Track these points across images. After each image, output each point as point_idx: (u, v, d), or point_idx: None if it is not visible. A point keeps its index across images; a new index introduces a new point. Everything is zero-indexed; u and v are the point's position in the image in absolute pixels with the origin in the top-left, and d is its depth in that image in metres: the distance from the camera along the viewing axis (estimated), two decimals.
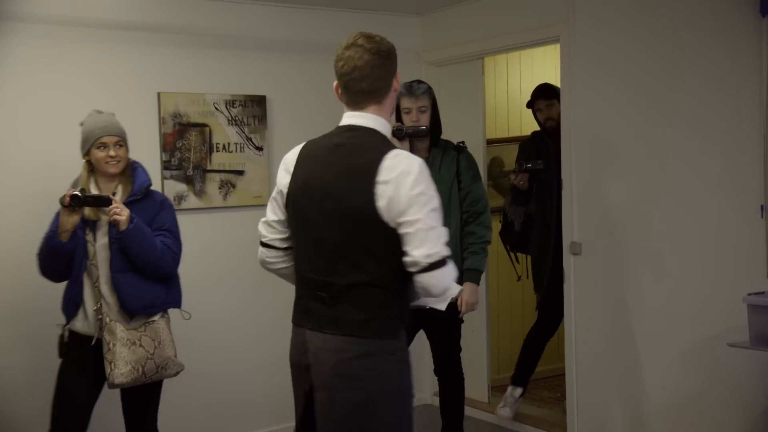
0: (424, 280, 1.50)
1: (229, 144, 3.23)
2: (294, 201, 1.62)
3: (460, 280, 2.44)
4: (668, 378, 2.70)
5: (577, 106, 2.98)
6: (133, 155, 2.41)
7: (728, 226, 2.48)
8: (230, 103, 3.22)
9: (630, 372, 2.85)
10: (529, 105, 3.46)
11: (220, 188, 3.21)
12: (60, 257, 2.20)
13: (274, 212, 1.70)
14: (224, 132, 3.21)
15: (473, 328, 3.43)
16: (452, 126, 3.19)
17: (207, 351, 3.09)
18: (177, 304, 2.37)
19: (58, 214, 2.17)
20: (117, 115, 2.38)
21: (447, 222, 2.38)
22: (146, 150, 2.89)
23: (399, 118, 2.67)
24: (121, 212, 2.12)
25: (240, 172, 3.24)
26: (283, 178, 1.65)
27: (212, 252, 3.17)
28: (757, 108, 2.36)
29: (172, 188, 3.09)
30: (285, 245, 1.71)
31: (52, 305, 2.36)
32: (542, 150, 3.35)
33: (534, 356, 3.45)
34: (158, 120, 3.07)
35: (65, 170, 2.46)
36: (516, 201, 3.41)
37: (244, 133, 3.26)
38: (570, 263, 3.05)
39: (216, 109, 3.18)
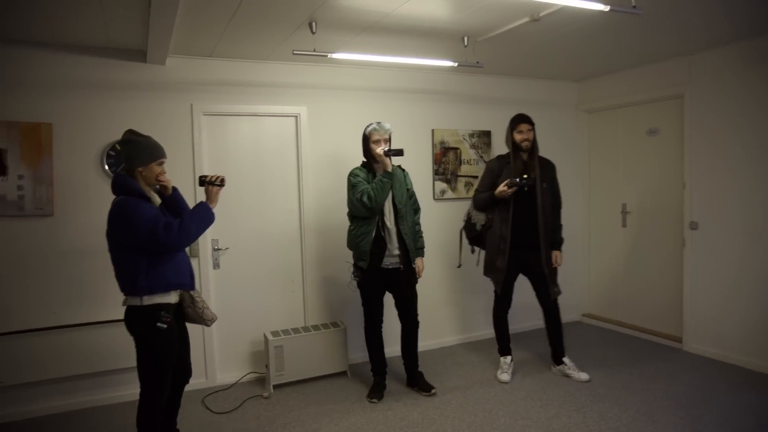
0: None
1: (470, 159, 5.20)
2: None
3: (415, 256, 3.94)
4: (761, 305, 4.36)
5: (695, 130, 4.75)
6: (414, 168, 4.42)
7: None
8: (471, 135, 5.21)
9: (730, 299, 4.52)
10: (513, 127, 4.16)
11: (465, 186, 5.17)
12: (209, 225, 2.89)
13: None
14: (468, 152, 5.19)
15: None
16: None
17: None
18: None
19: (148, 204, 2.79)
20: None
21: (408, 218, 3.90)
22: (424, 163, 4.90)
23: (369, 149, 3.84)
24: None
25: (476, 176, 5.18)
26: None
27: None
28: None
29: (438, 186, 5.06)
30: None
31: None
32: (504, 167, 4.15)
33: (505, 328, 4.39)
34: (431, 145, 5.07)
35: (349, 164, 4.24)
36: (480, 208, 4.22)
37: (478, 153, 5.23)
38: (689, 236, 4.79)
39: (463, 138, 5.17)
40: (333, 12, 3.31)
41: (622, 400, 3.90)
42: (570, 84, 5.76)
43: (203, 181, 2.96)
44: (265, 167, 4.51)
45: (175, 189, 3.02)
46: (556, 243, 4.31)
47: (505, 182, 4.03)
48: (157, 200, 2.91)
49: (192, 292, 2.99)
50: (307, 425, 3.68)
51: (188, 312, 3.02)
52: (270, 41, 3.83)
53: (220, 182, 2.95)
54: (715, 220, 4.62)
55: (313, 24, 3.48)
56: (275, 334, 4.33)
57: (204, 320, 3.03)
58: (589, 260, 5.92)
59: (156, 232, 2.67)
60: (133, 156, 2.80)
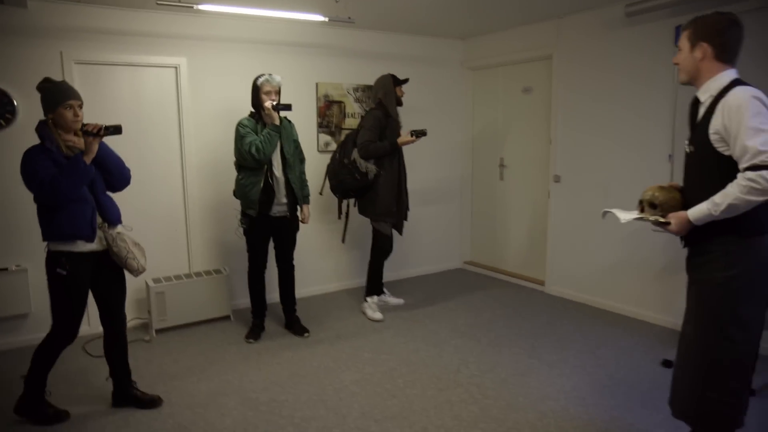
0: None
1: (354, 113, 5.38)
2: None
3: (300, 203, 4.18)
4: (607, 251, 4.87)
5: (561, 90, 5.13)
6: (300, 121, 4.61)
7: (647, 166, 4.59)
8: (356, 89, 5.37)
9: (583, 246, 5.01)
10: (397, 84, 4.52)
11: None
12: (86, 180, 2.81)
13: None
14: (352, 106, 5.36)
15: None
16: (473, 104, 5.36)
17: None
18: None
19: (44, 155, 2.74)
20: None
21: (296, 167, 4.11)
22: (308, 116, 5.05)
23: (259, 100, 3.92)
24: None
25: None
26: None
27: None
28: (668, 101, 4.48)
29: (323, 138, 5.22)
30: None
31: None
32: (386, 119, 4.44)
33: (380, 274, 4.80)
34: (315, 98, 5.20)
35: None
36: (372, 157, 4.39)
37: (363, 107, 5.41)
38: (554, 188, 5.21)
39: (348, 92, 5.33)
40: None
41: (478, 335, 4.32)
42: (456, 42, 5.99)
43: (81, 130, 2.86)
44: (146, 119, 4.52)
45: (102, 144, 2.93)
46: None
47: (411, 131, 4.43)
48: (76, 148, 2.85)
49: (115, 243, 2.97)
50: (181, 363, 3.88)
51: (115, 261, 3.03)
52: None
53: (97, 131, 2.79)
54: (574, 174, 5.05)
55: None
56: (157, 281, 4.46)
57: (129, 269, 3.03)
58: (472, 211, 6.31)
59: (42, 186, 2.72)
60: (42, 103, 2.81)
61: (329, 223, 5.37)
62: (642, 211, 2.39)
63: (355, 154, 4.41)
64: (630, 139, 4.56)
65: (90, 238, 2.90)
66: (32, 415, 3.07)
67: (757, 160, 1.97)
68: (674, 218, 2.23)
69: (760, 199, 2.00)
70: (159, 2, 3.56)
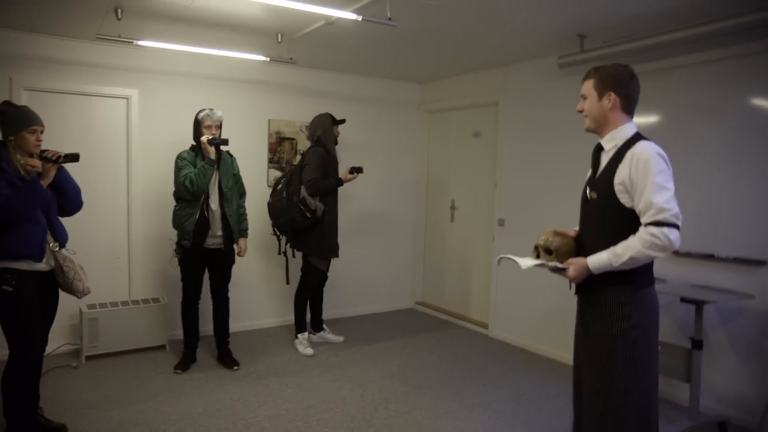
0: None
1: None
2: None
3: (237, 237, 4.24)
4: (546, 296, 4.88)
5: (506, 135, 5.25)
6: (250, 156, 4.81)
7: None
8: (306, 127, 5.48)
9: (524, 291, 5.04)
10: (335, 123, 4.67)
11: None
12: (41, 202, 2.86)
13: None
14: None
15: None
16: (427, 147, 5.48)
17: None
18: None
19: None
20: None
21: (233, 201, 4.16)
22: (259, 152, 5.15)
23: (200, 134, 4.05)
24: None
25: None
26: None
27: None
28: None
29: (272, 174, 5.31)
30: None
31: None
32: (326, 157, 4.54)
33: (305, 308, 4.82)
34: (267, 134, 5.31)
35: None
36: (319, 194, 4.48)
37: None
38: (498, 231, 5.28)
39: (300, 130, 5.44)
40: (136, 2, 3.47)
41: (408, 376, 4.31)
42: (414, 85, 6.15)
43: (40, 156, 2.94)
44: (94, 147, 4.62)
45: (62, 168, 3.02)
46: None
47: (350, 169, 4.66)
48: (33, 171, 2.92)
49: (65, 263, 3.02)
50: (100, 391, 3.86)
51: (59, 281, 3.07)
52: (84, 22, 3.95)
53: (56, 159, 2.89)
54: (516, 218, 5.12)
55: (119, 11, 3.63)
56: (92, 306, 4.48)
57: (73, 291, 3.08)
58: (425, 252, 6.36)
59: None
60: (4, 125, 2.89)
61: (271, 258, 5.41)
62: (538, 256, 2.41)
63: (303, 192, 4.46)
64: (568, 182, 4.65)
65: (38, 259, 2.92)
66: None
67: (660, 217, 2.02)
68: (573, 264, 2.24)
69: (660, 254, 2.05)
70: (99, 35, 3.69)
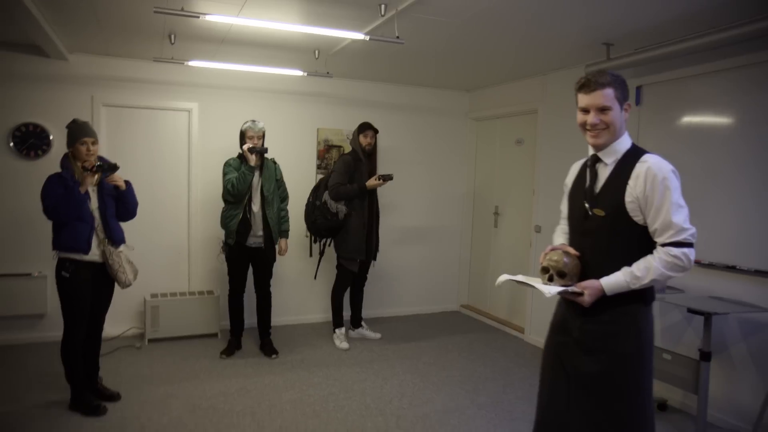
0: None
1: None
2: None
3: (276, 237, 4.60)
4: None
5: (545, 142, 5.29)
6: (300, 162, 5.22)
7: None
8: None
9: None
10: (360, 132, 4.90)
11: None
12: (80, 204, 3.36)
13: None
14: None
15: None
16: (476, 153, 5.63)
17: None
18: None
19: (58, 182, 3.36)
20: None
21: (274, 204, 4.53)
22: (308, 158, 5.56)
23: (244, 143, 4.47)
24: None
25: None
26: None
27: None
28: None
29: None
30: None
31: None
32: (355, 164, 4.86)
33: (340, 305, 5.11)
34: (316, 142, 5.72)
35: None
36: (342, 199, 4.76)
37: None
38: (534, 238, 5.32)
39: (347, 137, 5.80)
40: (186, 28, 3.96)
41: (430, 374, 4.51)
42: (462, 93, 6.32)
43: (81, 165, 3.48)
44: (159, 156, 5.22)
45: (128, 183, 3.61)
46: None
47: (378, 176, 4.81)
48: (87, 180, 3.43)
49: (111, 257, 3.55)
50: (154, 369, 4.40)
51: (109, 272, 3.61)
52: (146, 46, 4.52)
53: (93, 170, 3.41)
54: (552, 225, 5.14)
55: (172, 36, 4.15)
56: (154, 296, 5.07)
57: (118, 282, 3.60)
58: (471, 256, 6.49)
59: (47, 208, 3.38)
60: (67, 139, 3.45)
61: (315, 257, 5.77)
62: (550, 279, 2.22)
63: (326, 196, 4.83)
64: None
65: (85, 251, 3.48)
66: (83, 409, 3.57)
67: (680, 237, 1.96)
68: (588, 289, 2.09)
69: (680, 275, 1.99)
70: (156, 59, 4.24)
